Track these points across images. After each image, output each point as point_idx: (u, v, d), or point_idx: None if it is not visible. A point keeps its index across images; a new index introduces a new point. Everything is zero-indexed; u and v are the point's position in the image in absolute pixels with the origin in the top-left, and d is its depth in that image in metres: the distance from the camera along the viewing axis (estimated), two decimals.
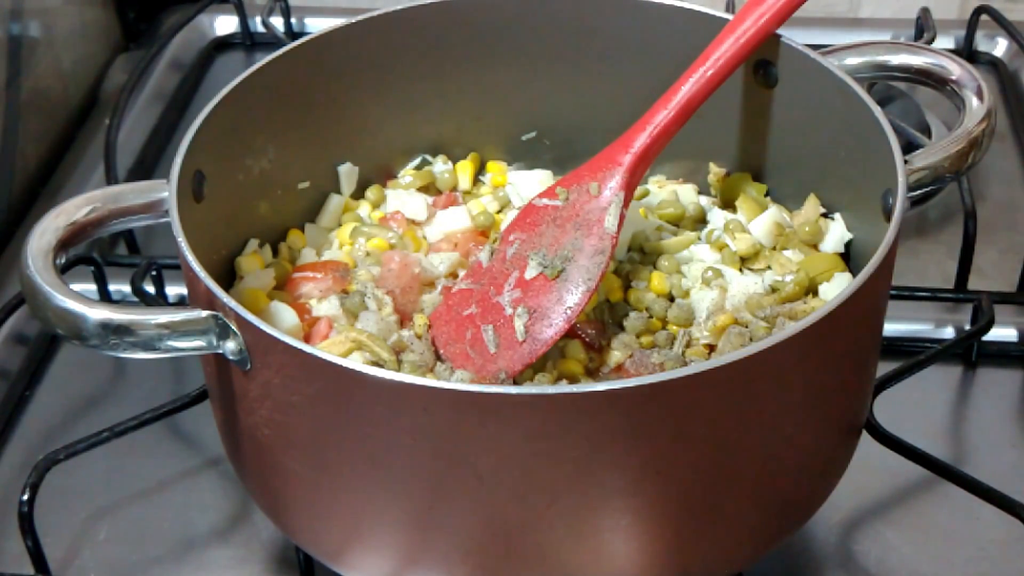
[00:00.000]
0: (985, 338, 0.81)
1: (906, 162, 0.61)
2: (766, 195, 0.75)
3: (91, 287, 0.87)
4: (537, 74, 0.77)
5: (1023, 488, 0.70)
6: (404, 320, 0.69)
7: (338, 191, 0.77)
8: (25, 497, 0.69)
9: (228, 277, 0.71)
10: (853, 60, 0.69)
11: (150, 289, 0.86)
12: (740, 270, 0.71)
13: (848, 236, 0.70)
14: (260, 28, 1.17)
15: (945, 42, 1.11)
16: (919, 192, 0.63)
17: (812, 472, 0.63)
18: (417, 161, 0.80)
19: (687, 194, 0.77)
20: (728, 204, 0.76)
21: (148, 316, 0.55)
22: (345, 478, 0.57)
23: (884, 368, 0.74)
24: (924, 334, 0.84)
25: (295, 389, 0.55)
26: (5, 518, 0.74)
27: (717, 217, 0.75)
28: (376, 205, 0.77)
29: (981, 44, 1.12)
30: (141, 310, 0.55)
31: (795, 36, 0.69)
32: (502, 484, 0.54)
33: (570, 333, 0.66)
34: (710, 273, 0.69)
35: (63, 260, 0.59)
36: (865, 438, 0.69)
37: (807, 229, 0.71)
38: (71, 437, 0.74)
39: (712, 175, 0.77)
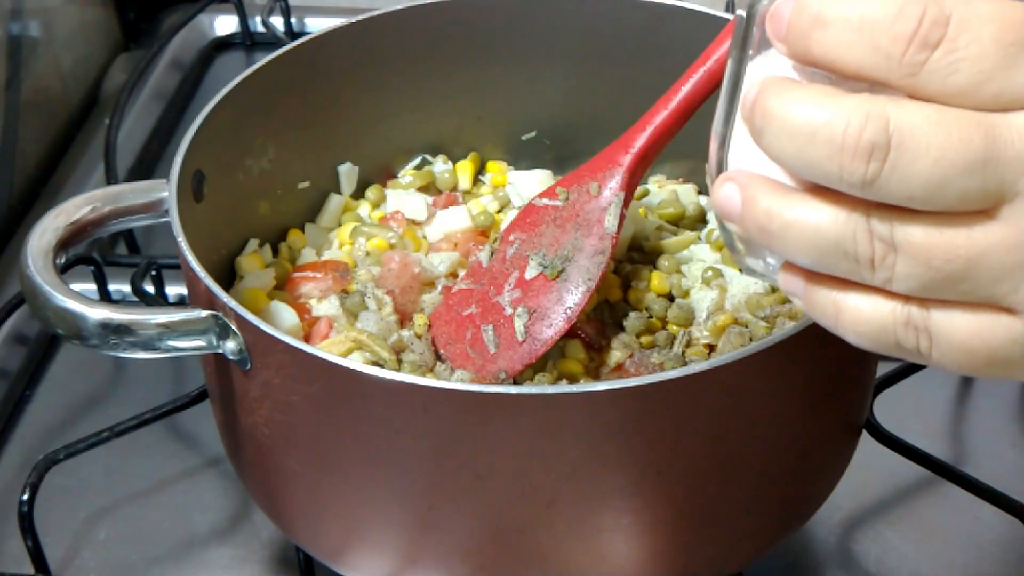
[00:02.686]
0: None
1: None
2: None
3: (91, 287, 0.87)
4: (537, 74, 0.77)
5: (1023, 488, 0.70)
6: (404, 320, 0.69)
7: (338, 191, 0.77)
8: (25, 497, 0.69)
9: (228, 277, 0.71)
10: None
11: (150, 289, 0.86)
12: (740, 270, 0.71)
13: None
14: (260, 28, 1.17)
15: None
16: None
17: (812, 472, 0.63)
18: (417, 161, 0.80)
19: (687, 194, 0.77)
20: None
21: (148, 316, 0.55)
22: (345, 478, 0.57)
23: (884, 368, 0.74)
24: None
25: (295, 389, 0.55)
26: (5, 518, 0.74)
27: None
28: (376, 205, 0.77)
29: None
30: (141, 310, 0.55)
31: None
32: (502, 484, 0.54)
33: (570, 333, 0.66)
34: (710, 273, 0.69)
35: (63, 260, 0.59)
36: (865, 438, 0.69)
37: None
38: (71, 437, 0.74)
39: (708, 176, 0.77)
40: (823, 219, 0.41)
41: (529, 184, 0.77)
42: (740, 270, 0.71)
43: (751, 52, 0.45)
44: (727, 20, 0.69)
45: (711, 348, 0.67)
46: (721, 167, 0.47)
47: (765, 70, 0.44)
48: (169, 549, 0.73)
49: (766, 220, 0.42)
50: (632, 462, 0.54)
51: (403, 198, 0.77)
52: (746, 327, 0.66)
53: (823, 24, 0.40)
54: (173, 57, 1.14)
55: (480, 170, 0.80)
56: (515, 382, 0.64)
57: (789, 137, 0.40)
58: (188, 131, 0.64)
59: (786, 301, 0.68)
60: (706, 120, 0.70)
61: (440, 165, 0.79)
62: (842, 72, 0.40)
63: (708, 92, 0.68)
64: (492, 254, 0.69)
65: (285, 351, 0.53)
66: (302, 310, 0.69)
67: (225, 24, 1.18)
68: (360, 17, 0.73)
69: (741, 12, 0.45)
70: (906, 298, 0.41)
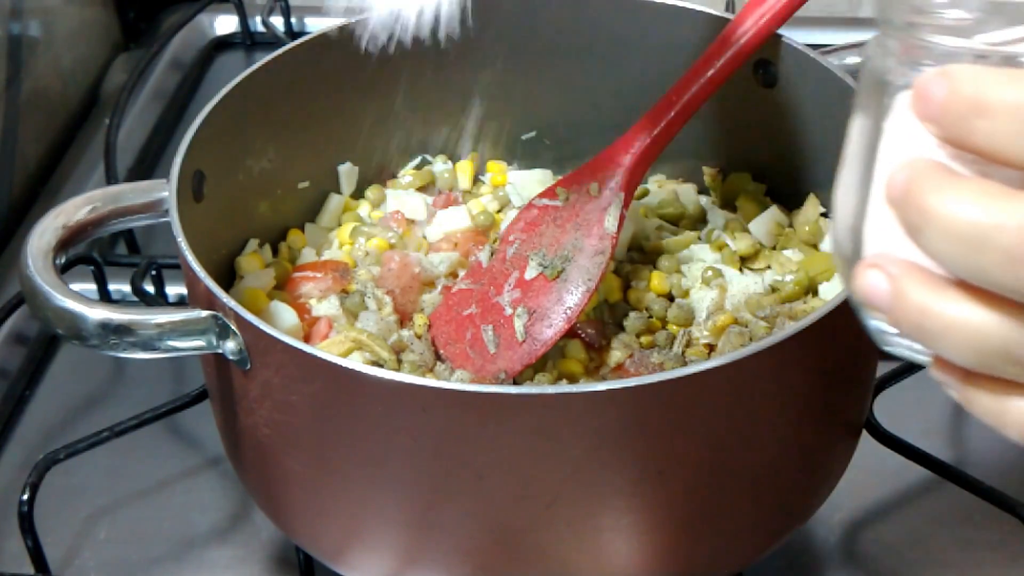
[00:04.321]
0: None
1: None
2: (766, 194, 0.75)
3: (91, 287, 0.87)
4: (537, 74, 0.77)
5: (1023, 488, 0.70)
6: (404, 320, 0.69)
7: (338, 191, 0.77)
8: (25, 497, 0.69)
9: (228, 277, 0.71)
10: (853, 60, 0.69)
11: (150, 289, 0.86)
12: (740, 270, 0.71)
13: None
14: (260, 28, 1.17)
15: None
16: None
17: (812, 472, 0.63)
18: (417, 161, 0.80)
19: (687, 194, 0.77)
20: (728, 204, 0.76)
21: (148, 316, 0.55)
22: (345, 478, 0.57)
23: (884, 368, 0.74)
24: None
25: (295, 389, 0.55)
26: (5, 518, 0.74)
27: (717, 217, 0.75)
28: (376, 205, 0.77)
29: None
30: (141, 310, 0.55)
31: (795, 36, 0.69)
32: (502, 484, 0.54)
33: (570, 333, 0.66)
34: (710, 273, 0.69)
35: (63, 260, 0.59)
36: (865, 438, 0.69)
37: (807, 229, 0.71)
38: (71, 437, 0.74)
39: (707, 176, 0.77)
40: (988, 322, 0.37)
41: (529, 184, 0.77)
42: (740, 269, 0.71)
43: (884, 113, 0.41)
44: (727, 20, 0.69)
45: (711, 348, 0.67)
46: (856, 240, 0.41)
47: (905, 136, 0.40)
48: (169, 549, 0.73)
49: (921, 318, 0.38)
50: (632, 462, 0.54)
51: (403, 198, 0.77)
52: (746, 327, 0.66)
53: (984, 111, 0.36)
54: (173, 57, 1.14)
55: (480, 170, 0.80)
56: (515, 382, 0.64)
57: (954, 242, 0.36)
58: (188, 131, 0.64)
59: (786, 301, 0.68)
60: (706, 120, 0.70)
61: (440, 165, 0.79)
62: (1008, 165, 0.37)
63: (708, 92, 0.68)
64: (492, 254, 0.69)
65: (285, 351, 0.53)
66: (302, 310, 0.69)
67: (225, 24, 1.18)
68: (360, 17, 0.73)
69: (870, 60, 0.41)
70: None
